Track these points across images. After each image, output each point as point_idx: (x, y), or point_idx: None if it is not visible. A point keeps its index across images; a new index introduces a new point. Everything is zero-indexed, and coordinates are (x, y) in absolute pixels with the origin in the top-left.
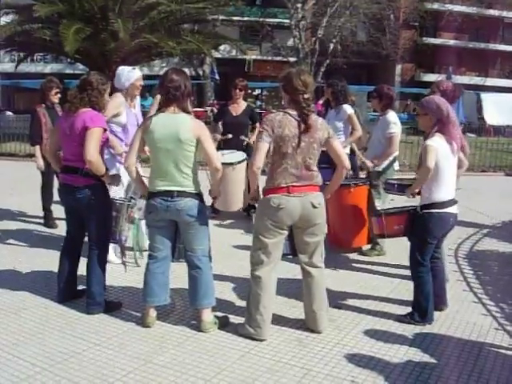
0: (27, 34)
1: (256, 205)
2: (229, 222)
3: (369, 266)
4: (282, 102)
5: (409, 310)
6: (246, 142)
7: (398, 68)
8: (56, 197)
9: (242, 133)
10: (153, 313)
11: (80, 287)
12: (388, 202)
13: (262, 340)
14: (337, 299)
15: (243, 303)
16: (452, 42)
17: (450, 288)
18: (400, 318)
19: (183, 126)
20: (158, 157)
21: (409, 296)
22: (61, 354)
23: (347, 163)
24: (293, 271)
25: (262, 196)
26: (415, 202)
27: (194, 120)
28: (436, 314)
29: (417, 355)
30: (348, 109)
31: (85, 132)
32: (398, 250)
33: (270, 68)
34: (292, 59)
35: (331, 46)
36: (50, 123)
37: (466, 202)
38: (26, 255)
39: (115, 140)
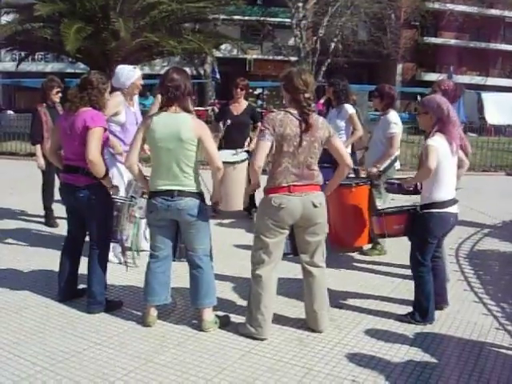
0: (28, 33)
1: (257, 204)
2: (230, 221)
3: (370, 266)
4: (283, 102)
5: (409, 309)
6: (247, 148)
7: (399, 67)
8: (57, 196)
9: (243, 132)
10: (154, 312)
11: (81, 286)
12: (389, 201)
13: (262, 339)
14: (338, 299)
15: (244, 303)
16: (453, 42)
17: (451, 288)
18: (400, 318)
19: (184, 126)
20: (159, 156)
21: (409, 296)
22: (61, 353)
23: (349, 161)
24: (294, 271)
25: (263, 195)
26: (415, 201)
27: (195, 119)
28: (437, 313)
29: (417, 355)
30: (349, 108)
31: (86, 131)
32: (398, 249)
33: (271, 67)
34: (293, 58)
35: (332, 45)
36: (51, 122)
37: (467, 201)
38: (26, 254)
39: (115, 139)
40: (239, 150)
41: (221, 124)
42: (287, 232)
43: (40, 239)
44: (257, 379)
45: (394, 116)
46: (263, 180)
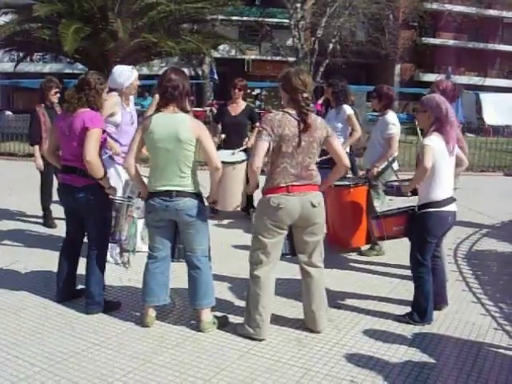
0: (26, 34)
1: (255, 204)
2: (228, 221)
3: (368, 266)
4: (282, 102)
5: (408, 309)
6: (245, 146)
7: (398, 68)
8: (55, 196)
9: (241, 133)
10: (152, 312)
11: (79, 287)
12: (387, 202)
13: (261, 340)
14: (336, 299)
15: (242, 303)
16: (451, 42)
17: (449, 288)
18: (399, 318)
19: (182, 126)
20: (158, 157)
21: (408, 296)
22: (60, 353)
23: (347, 162)
24: (292, 271)
25: (261, 196)
26: (413, 202)
27: (193, 120)
28: (435, 313)
29: (416, 355)
30: (348, 109)
31: (84, 132)
32: (397, 249)
33: (269, 68)
34: (291, 59)
35: (330, 45)
36: (50, 123)
37: (465, 201)
38: (24, 255)
39: (111, 140)
40: (237, 150)
41: (219, 125)
42: (286, 232)
43: (38, 240)
44: (255, 380)
45: (392, 117)
46: (262, 180)
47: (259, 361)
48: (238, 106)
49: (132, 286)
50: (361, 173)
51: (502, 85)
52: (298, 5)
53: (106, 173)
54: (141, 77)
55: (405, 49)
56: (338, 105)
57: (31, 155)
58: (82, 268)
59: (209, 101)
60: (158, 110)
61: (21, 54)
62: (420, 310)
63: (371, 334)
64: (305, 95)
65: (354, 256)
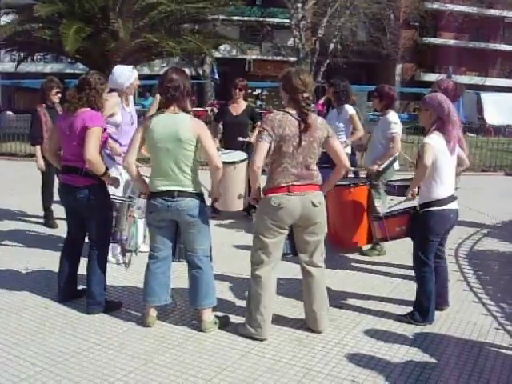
0: (27, 34)
1: (256, 205)
2: (229, 221)
3: (369, 266)
4: (282, 102)
5: (409, 309)
6: (246, 142)
7: (398, 68)
8: (56, 196)
9: (242, 133)
10: (153, 312)
11: (80, 287)
12: (388, 201)
13: (262, 340)
14: (337, 299)
15: (243, 303)
16: (452, 42)
17: (451, 288)
18: (400, 318)
19: (183, 126)
20: (159, 156)
21: (409, 296)
22: (61, 353)
23: (347, 163)
24: (293, 271)
25: (262, 196)
26: (414, 201)
27: (193, 119)
28: (436, 313)
29: (417, 355)
30: (350, 109)
31: (84, 132)
32: (398, 249)
33: (270, 68)
34: (292, 59)
35: (331, 45)
36: (51, 123)
37: (466, 201)
38: (25, 255)
39: (112, 141)
40: (225, 151)
41: (220, 125)
42: (286, 232)
43: (39, 240)
44: (256, 380)
45: (393, 116)
46: (262, 181)
47: (260, 361)
48: (239, 106)
49: (133, 286)
50: (362, 173)
51: (502, 84)
52: (299, 5)
53: (107, 168)
54: (142, 77)
55: (406, 49)
56: (340, 105)
57: (32, 155)
58: (83, 268)
59: (210, 101)
60: (159, 110)
61: (22, 54)
62: (422, 310)
63: (372, 333)
64: (305, 95)
65: (355, 256)
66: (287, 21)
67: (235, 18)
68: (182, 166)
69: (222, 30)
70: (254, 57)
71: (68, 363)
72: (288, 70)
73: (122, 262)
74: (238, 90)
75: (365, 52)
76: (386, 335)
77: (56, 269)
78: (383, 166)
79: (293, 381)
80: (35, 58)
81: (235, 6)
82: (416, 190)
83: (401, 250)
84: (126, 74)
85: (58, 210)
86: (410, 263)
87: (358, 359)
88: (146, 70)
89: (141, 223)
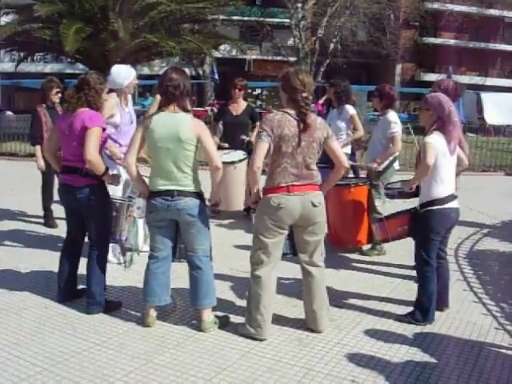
0: (27, 34)
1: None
2: (229, 221)
3: (369, 266)
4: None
5: (409, 309)
6: (246, 141)
7: (398, 68)
8: (56, 196)
9: (242, 132)
10: (153, 313)
11: (80, 287)
12: (388, 201)
13: (262, 340)
14: (337, 299)
15: (243, 303)
16: (452, 42)
17: (451, 288)
18: (400, 318)
19: (183, 126)
20: (159, 156)
21: (409, 296)
22: (61, 353)
23: (346, 163)
24: (293, 271)
25: (262, 196)
26: (414, 202)
27: (193, 119)
28: (436, 313)
29: (417, 355)
30: (351, 109)
31: (84, 132)
32: (398, 249)
33: (270, 68)
34: (292, 59)
35: (331, 45)
36: (51, 123)
37: (466, 201)
38: (25, 255)
39: (113, 145)
40: (229, 151)
41: (220, 124)
42: (286, 232)
43: (39, 240)
44: (256, 380)
45: (393, 116)
46: (262, 181)
47: (260, 361)
48: (239, 106)
49: (133, 286)
50: (362, 173)
51: (502, 84)
52: (299, 5)
53: (107, 168)
54: (142, 77)
55: (406, 48)
56: (341, 105)
57: (32, 155)
58: (83, 268)
59: (210, 100)
60: (159, 110)
61: (22, 54)
62: (423, 310)
63: (372, 333)
64: (304, 95)
65: (355, 256)
66: (287, 21)
67: (235, 18)
68: (181, 165)
69: (222, 30)
70: (253, 57)
71: (68, 363)
72: (287, 71)
73: (122, 261)
74: (237, 90)
75: (365, 52)
76: (386, 335)
77: (56, 269)
78: (383, 165)
79: (293, 381)
80: (35, 58)
81: (235, 5)
82: (414, 186)
83: (401, 250)
84: (124, 74)
85: (58, 210)
86: (410, 263)
87: (357, 359)
88: (145, 70)
89: (141, 223)
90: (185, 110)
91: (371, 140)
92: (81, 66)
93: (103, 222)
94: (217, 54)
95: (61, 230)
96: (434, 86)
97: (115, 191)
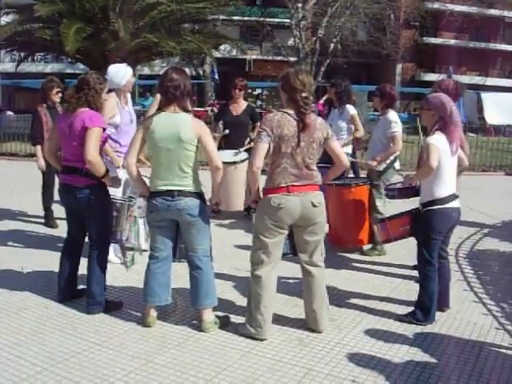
0: (28, 34)
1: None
2: (229, 221)
3: (369, 266)
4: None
5: (409, 309)
6: (248, 146)
7: (399, 67)
8: (57, 196)
9: (242, 132)
10: (153, 313)
11: (80, 287)
12: (388, 201)
13: (262, 340)
14: (337, 299)
15: (244, 303)
16: (452, 42)
17: (451, 288)
18: (400, 318)
19: (184, 126)
20: (159, 156)
21: (409, 296)
22: (61, 353)
23: (347, 163)
24: (293, 270)
25: (262, 196)
26: (415, 202)
27: (194, 119)
28: (437, 313)
29: (417, 355)
30: (351, 109)
31: (84, 132)
32: (398, 249)
33: (270, 68)
34: (292, 59)
35: (331, 45)
36: (52, 123)
37: (467, 201)
38: (26, 255)
39: (112, 152)
40: (241, 150)
41: (220, 124)
42: (286, 232)
43: (39, 240)
44: (257, 379)
45: (393, 115)
46: (262, 181)
47: (261, 361)
48: (240, 106)
49: (133, 286)
50: (362, 173)
51: (503, 84)
52: (299, 5)
53: (108, 170)
54: (142, 77)
55: (406, 48)
56: (341, 105)
57: (33, 155)
58: (83, 268)
59: (210, 100)
60: (159, 110)
61: (22, 54)
62: (424, 309)
63: (373, 333)
64: (303, 95)
65: (355, 256)
66: (287, 21)
67: (235, 17)
68: (182, 165)
69: (222, 29)
70: (254, 57)
71: (68, 363)
72: (287, 71)
73: (123, 261)
74: (237, 90)
75: (365, 52)
76: (387, 335)
77: (56, 269)
78: (383, 165)
79: (293, 381)
80: (35, 57)
81: (235, 5)
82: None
83: (401, 250)
84: (121, 73)
85: (58, 210)
86: (411, 263)
87: (358, 359)
88: (146, 70)
89: (141, 223)
90: (185, 110)
91: (371, 140)
92: (81, 66)
93: (103, 222)
94: (217, 54)
95: (61, 230)
96: (434, 86)
97: (116, 191)
